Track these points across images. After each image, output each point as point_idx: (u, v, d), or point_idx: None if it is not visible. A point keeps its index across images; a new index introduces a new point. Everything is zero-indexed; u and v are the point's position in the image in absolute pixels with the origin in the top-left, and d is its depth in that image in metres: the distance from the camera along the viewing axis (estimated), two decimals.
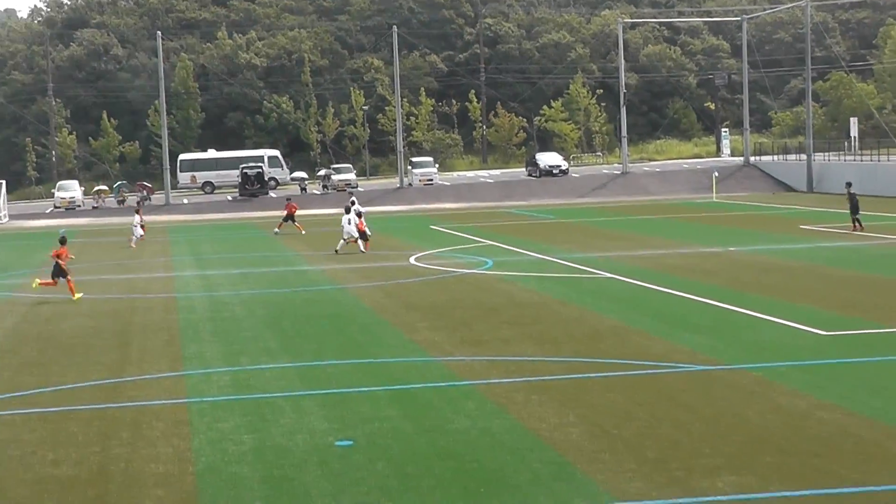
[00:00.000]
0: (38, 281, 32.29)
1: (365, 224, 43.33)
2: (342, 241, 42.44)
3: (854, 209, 44.60)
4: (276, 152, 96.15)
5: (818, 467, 13.30)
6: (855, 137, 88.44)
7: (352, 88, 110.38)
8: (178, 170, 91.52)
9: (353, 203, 45.98)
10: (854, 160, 77.82)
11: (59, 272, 31.57)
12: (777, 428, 15.17)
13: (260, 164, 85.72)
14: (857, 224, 44.12)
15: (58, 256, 31.64)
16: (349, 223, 42.34)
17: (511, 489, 13.05)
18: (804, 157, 79.16)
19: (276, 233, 53.15)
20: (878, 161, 73.43)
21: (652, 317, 25.09)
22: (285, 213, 54.87)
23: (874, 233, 43.54)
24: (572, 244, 43.20)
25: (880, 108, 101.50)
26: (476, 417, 16.34)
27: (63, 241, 32.70)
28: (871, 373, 18.45)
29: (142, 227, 51.58)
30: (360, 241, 42.44)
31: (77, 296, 31.21)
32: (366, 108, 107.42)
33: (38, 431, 16.54)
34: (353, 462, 14.32)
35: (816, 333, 22.04)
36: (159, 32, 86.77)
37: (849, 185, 46.35)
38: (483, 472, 13.73)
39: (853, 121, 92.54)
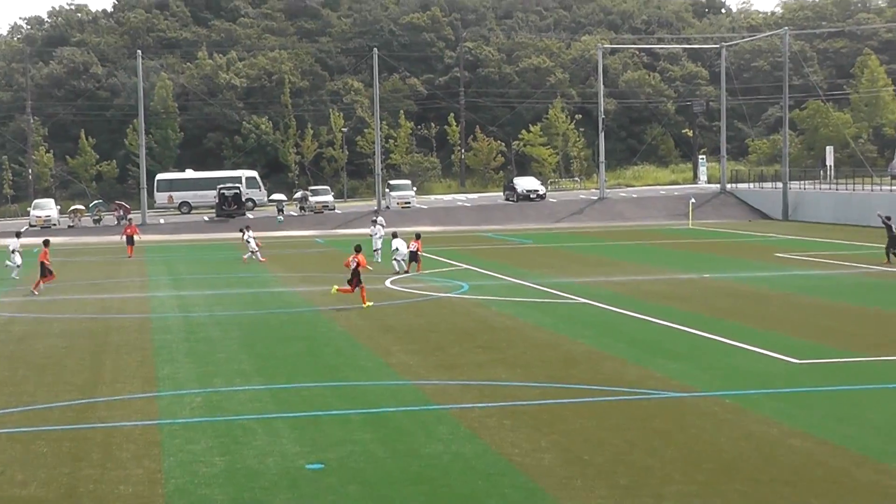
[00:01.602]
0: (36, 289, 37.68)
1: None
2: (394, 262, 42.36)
3: (893, 242, 42.47)
4: (253, 173, 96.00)
5: (788, 496, 13.34)
6: (831, 166, 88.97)
7: (331, 110, 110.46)
8: (155, 189, 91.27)
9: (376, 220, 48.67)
10: (830, 189, 78.26)
11: (45, 271, 37.58)
12: (749, 456, 15.21)
13: (237, 185, 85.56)
14: (890, 257, 42.30)
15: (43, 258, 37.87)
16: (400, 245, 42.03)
17: None
18: (780, 184, 79.57)
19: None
20: (854, 190, 73.89)
21: (626, 343, 25.14)
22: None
23: (849, 262, 43.77)
24: (548, 269, 43.26)
25: (856, 137, 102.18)
26: (449, 442, 16.32)
27: (46, 244, 38.76)
28: (841, 401, 18.52)
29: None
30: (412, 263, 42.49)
31: (36, 292, 37.16)
32: (345, 129, 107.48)
33: (8, 451, 16.44)
34: (324, 485, 14.28)
35: (789, 361, 22.12)
36: (139, 51, 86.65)
37: (888, 218, 43.58)
38: (455, 496, 13.72)
39: (829, 149, 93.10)
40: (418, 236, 44.39)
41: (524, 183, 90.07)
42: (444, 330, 27.65)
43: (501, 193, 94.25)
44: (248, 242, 49.99)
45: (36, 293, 37.44)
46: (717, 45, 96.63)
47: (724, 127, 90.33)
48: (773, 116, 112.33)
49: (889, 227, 42.78)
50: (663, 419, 17.47)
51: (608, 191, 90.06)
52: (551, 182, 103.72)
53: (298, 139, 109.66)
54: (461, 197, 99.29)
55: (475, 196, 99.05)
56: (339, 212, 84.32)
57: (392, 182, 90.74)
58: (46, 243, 39.54)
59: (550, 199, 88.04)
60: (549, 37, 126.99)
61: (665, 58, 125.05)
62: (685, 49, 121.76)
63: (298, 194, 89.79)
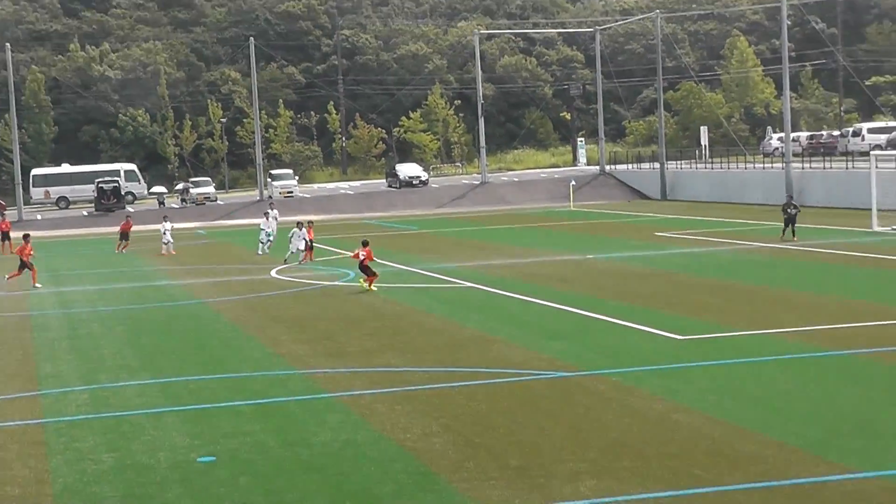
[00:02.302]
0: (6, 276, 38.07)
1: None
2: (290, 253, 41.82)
3: (792, 220, 42.61)
4: (132, 166, 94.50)
5: (675, 469, 13.65)
6: (705, 146, 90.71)
7: (209, 101, 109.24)
8: (30, 185, 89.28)
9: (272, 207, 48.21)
10: (705, 168, 79.81)
11: (23, 265, 37.93)
12: (635, 432, 15.51)
13: (116, 179, 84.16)
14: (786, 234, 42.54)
15: (21, 252, 38.40)
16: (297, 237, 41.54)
17: (375, 500, 13.12)
18: (657, 165, 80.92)
19: (120, 252, 52.13)
20: (728, 169, 75.46)
21: (513, 325, 25.41)
22: (120, 230, 54.03)
23: (728, 238, 44.76)
24: (433, 254, 43.45)
25: (728, 116, 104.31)
26: (340, 429, 16.36)
27: (26, 238, 39.22)
28: (722, 375, 18.98)
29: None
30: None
31: (37, 284, 37.46)
32: (224, 120, 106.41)
33: None
34: (215, 478, 14.21)
35: (671, 338, 22.57)
36: (8, 44, 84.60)
37: (790, 197, 44.53)
38: (348, 484, 13.77)
39: (703, 129, 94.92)
40: (310, 223, 43.89)
41: (406, 169, 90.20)
42: (333, 318, 27.64)
43: (384, 180, 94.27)
44: (164, 234, 49.54)
45: (37, 286, 37.48)
46: (592, 29, 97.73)
47: (601, 109, 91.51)
48: (648, 98, 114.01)
49: (791, 206, 43.10)
50: (551, 399, 17.72)
51: (490, 175, 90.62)
52: (433, 168, 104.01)
53: (177, 131, 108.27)
54: (343, 185, 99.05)
55: (357, 184, 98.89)
56: (221, 203, 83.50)
57: (273, 172, 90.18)
58: (26, 238, 39.55)
59: (433, 185, 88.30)
60: (426, 23, 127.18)
61: (541, 42, 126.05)
62: (560, 33, 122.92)
63: (179, 186, 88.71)
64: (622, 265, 37.08)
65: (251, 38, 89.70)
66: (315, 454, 15.14)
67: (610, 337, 23.27)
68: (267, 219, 48.38)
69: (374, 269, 33.10)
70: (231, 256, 48.07)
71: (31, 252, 38.87)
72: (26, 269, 38.03)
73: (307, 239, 41.76)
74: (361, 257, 32.77)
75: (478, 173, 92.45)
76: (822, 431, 15.08)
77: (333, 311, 28.86)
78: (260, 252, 46.44)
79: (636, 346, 22.09)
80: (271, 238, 47.32)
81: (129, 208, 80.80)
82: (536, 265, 38.14)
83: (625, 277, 33.64)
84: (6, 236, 54.78)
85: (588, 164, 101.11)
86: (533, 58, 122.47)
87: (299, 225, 42.26)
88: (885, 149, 68.91)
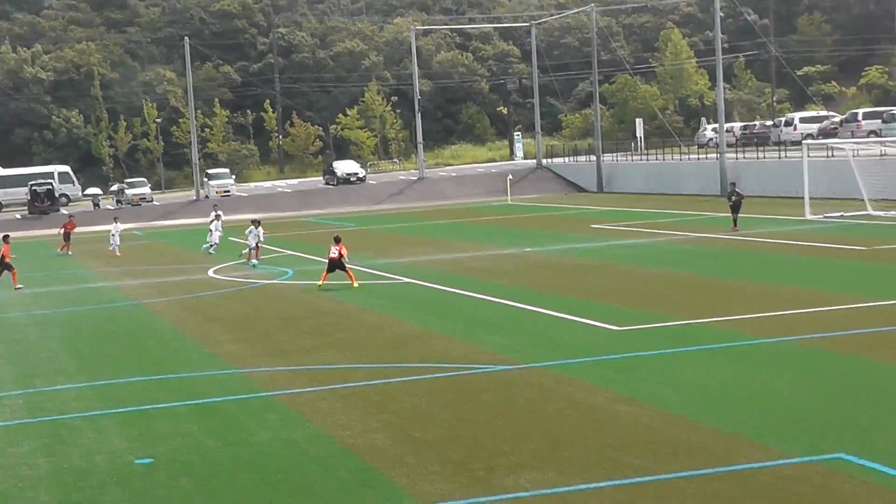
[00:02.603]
0: None
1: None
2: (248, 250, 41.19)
3: (737, 208, 42.50)
4: (66, 168, 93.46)
5: (614, 459, 13.71)
6: (641, 138, 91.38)
7: (144, 101, 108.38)
8: None
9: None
10: (641, 160, 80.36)
11: (3, 266, 36.92)
12: (575, 423, 15.57)
13: (50, 181, 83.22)
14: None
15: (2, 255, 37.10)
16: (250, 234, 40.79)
17: (317, 498, 13.06)
18: (594, 158, 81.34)
19: (64, 254, 51.64)
20: (663, 160, 76.02)
21: (452, 319, 25.42)
22: (63, 231, 53.50)
23: (664, 229, 45.08)
24: (372, 251, 43.35)
25: (663, 109, 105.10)
26: (280, 428, 16.27)
27: (5, 239, 37.90)
28: (660, 365, 19.11)
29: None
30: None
31: (18, 286, 36.78)
32: (159, 120, 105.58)
33: None
34: (154, 480, 14.08)
35: (610, 329, 22.68)
36: None
37: (733, 184, 44.65)
38: (288, 483, 13.70)
39: (639, 122, 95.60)
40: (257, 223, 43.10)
41: (344, 166, 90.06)
42: (271, 317, 27.50)
43: (321, 178, 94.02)
44: (113, 236, 49.04)
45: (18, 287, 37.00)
46: (527, 24, 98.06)
47: (538, 103, 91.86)
48: (584, 91, 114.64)
49: (735, 194, 42.94)
50: (492, 393, 17.74)
51: (427, 171, 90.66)
52: (371, 164, 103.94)
53: (111, 132, 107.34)
54: (281, 183, 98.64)
55: (295, 182, 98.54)
56: (157, 203, 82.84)
57: (210, 171, 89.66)
58: (6, 238, 38.15)
59: (371, 182, 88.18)
60: (362, 20, 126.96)
61: (477, 37, 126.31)
62: (496, 28, 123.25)
63: (114, 187, 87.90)
64: (560, 258, 37.23)
65: (186, 38, 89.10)
66: (255, 453, 15.05)
67: (549, 329, 23.34)
68: (216, 219, 48.43)
69: (348, 265, 32.40)
70: (168, 257, 47.70)
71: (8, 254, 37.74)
72: (5, 271, 37.16)
73: (260, 237, 41.28)
74: (335, 255, 31.97)
75: (415, 169, 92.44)
76: (760, 418, 15.22)
77: (272, 310, 28.72)
78: (212, 251, 46.17)
79: (575, 337, 22.18)
80: (217, 241, 47.11)
81: (64, 210, 79.89)
82: (475, 260, 38.19)
83: (563, 270, 33.77)
84: None
85: (525, 158, 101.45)
86: (469, 53, 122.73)
87: (255, 223, 41.82)
88: (817, 138, 69.75)
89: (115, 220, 51.45)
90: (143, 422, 17.19)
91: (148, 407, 18.18)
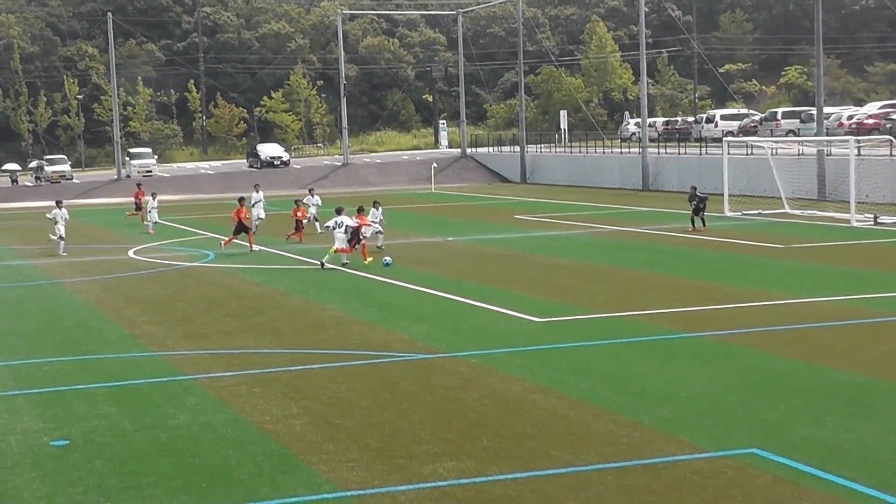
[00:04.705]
0: None
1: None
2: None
3: (698, 210, 40.59)
4: None
5: (532, 449, 13.84)
6: (565, 130, 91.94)
7: (65, 77, 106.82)
8: None
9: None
10: (564, 152, 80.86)
11: None
12: (494, 413, 15.68)
13: None
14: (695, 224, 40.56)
15: None
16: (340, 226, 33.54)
17: (234, 483, 13.03)
18: (518, 148, 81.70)
19: None
20: (586, 153, 76.56)
21: (374, 307, 25.44)
22: None
23: (585, 222, 45.42)
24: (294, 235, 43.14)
25: (587, 101, 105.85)
26: (198, 412, 16.20)
27: None
28: (579, 356, 19.30)
29: None
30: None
31: None
32: (80, 97, 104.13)
33: None
34: (69, 462, 13.96)
35: (530, 320, 22.85)
36: None
37: (694, 188, 42.57)
38: (205, 466, 13.65)
39: (563, 114, 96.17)
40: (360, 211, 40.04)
41: (268, 150, 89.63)
42: (192, 299, 27.32)
43: (245, 160, 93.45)
44: (57, 221, 47.77)
45: None
46: (454, 12, 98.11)
47: (463, 92, 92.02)
48: (510, 81, 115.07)
49: (695, 197, 41.74)
50: (411, 381, 17.81)
51: (352, 157, 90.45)
52: (295, 148, 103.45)
53: (31, 107, 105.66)
54: (204, 164, 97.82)
55: (218, 163, 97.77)
56: (77, 181, 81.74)
57: (132, 150, 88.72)
58: None
59: (294, 166, 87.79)
60: (289, 2, 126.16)
61: (404, 24, 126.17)
62: (423, 15, 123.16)
63: (33, 164, 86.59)
64: (482, 248, 37.38)
65: (109, 14, 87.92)
66: (172, 437, 14.97)
67: (470, 319, 23.46)
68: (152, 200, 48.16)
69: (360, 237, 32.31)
70: (88, 236, 47.11)
71: None
72: None
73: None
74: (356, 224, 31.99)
75: (340, 155, 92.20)
76: (675, 411, 15.44)
77: (192, 293, 28.53)
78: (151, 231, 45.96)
79: (496, 328, 22.31)
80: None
81: None
82: (398, 247, 38.19)
83: (485, 260, 33.92)
84: None
85: (450, 146, 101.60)
86: (396, 39, 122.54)
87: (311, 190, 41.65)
88: (737, 136, 70.67)
89: (59, 203, 49.91)
90: (59, 403, 17.02)
91: (64, 388, 18.00)
